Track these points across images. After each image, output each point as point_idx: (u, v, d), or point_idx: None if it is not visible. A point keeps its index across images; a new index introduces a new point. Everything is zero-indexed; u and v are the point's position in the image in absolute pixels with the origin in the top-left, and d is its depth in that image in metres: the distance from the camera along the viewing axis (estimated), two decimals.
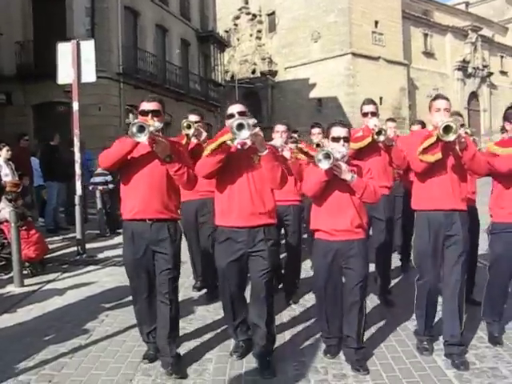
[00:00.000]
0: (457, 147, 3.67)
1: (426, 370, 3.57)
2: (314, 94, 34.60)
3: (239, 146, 3.50)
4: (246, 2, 38.90)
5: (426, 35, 38.51)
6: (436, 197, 3.86)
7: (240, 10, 38.96)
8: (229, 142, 3.52)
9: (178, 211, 3.95)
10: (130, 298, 4.45)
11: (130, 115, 17.60)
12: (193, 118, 5.11)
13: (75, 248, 7.91)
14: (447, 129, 3.52)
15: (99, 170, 10.01)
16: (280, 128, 5.13)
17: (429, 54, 38.77)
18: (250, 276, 3.75)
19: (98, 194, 9.99)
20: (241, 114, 3.64)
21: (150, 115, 3.73)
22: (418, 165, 3.86)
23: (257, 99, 36.65)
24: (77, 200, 7.96)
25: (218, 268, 3.84)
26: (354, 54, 32.38)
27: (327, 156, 3.56)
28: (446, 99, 3.99)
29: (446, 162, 3.83)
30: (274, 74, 37.26)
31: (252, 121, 3.41)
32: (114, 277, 6.34)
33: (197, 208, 5.39)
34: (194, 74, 25.07)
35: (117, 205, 10.27)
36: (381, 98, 33.33)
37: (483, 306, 4.22)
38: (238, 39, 38.89)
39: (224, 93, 29.77)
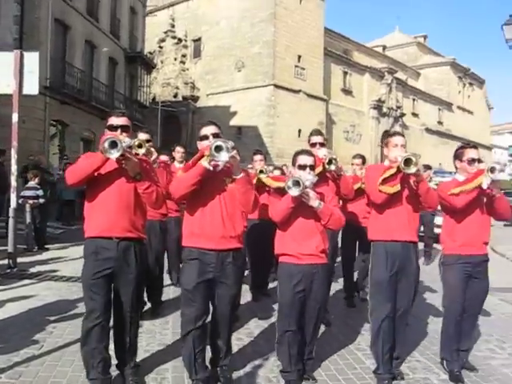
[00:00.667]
0: (412, 181, 4.08)
1: (367, 379, 4.17)
2: (234, 121, 36.19)
3: (211, 168, 3.58)
4: (173, 26, 40.57)
5: (345, 73, 41.95)
6: (393, 228, 4.17)
7: (166, 33, 40.52)
8: (204, 164, 3.58)
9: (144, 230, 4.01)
10: (74, 311, 5.17)
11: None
12: (143, 136, 5.09)
13: (5, 261, 8.05)
14: (408, 161, 3.86)
15: (30, 184, 10.37)
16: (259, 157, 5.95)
17: (347, 92, 42.16)
18: (216, 301, 3.85)
19: (27, 207, 10.17)
20: (215, 135, 3.75)
21: (119, 130, 3.79)
22: (378, 196, 4.16)
23: (177, 123, 38.00)
24: (11, 213, 8.14)
25: (183, 289, 3.86)
26: (276, 86, 34.76)
27: (297, 183, 3.78)
28: (403, 136, 4.43)
29: (402, 194, 4.16)
30: (195, 99, 38.77)
31: (230, 143, 3.49)
32: (53, 291, 6.68)
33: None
34: (119, 93, 25.91)
35: (47, 220, 10.96)
36: (299, 131, 35.92)
37: (441, 344, 4.47)
38: (162, 62, 40.30)
39: (146, 114, 31.15)
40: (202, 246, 3.78)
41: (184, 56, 40.06)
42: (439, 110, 54.25)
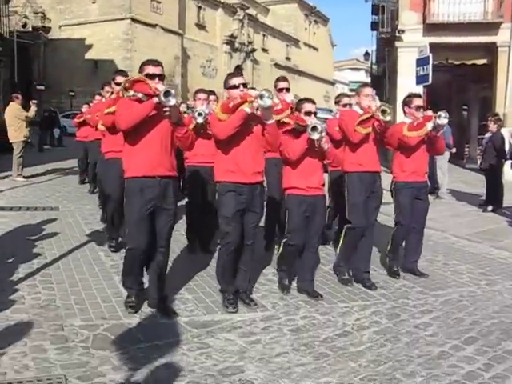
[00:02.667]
0: (376, 125, 5.13)
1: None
2: (90, 55, 36.66)
3: (249, 111, 4.33)
4: None
5: (199, 8, 43.72)
6: (365, 161, 5.33)
7: None
8: (246, 109, 4.32)
9: None
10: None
11: None
12: (121, 79, 5.65)
13: None
14: (384, 112, 5.00)
15: None
16: (202, 96, 6.15)
17: (201, 26, 44.14)
18: (245, 226, 4.62)
19: None
20: (244, 85, 4.57)
21: (156, 79, 4.27)
22: (355, 136, 5.24)
23: (27, 56, 37.65)
24: None
25: (222, 217, 4.58)
26: (132, 20, 36.01)
27: (315, 128, 4.60)
28: (372, 87, 5.77)
29: (371, 135, 5.28)
30: (47, 30, 38.61)
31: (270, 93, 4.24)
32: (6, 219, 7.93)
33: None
34: None
35: None
36: None
37: (390, 247, 5.84)
38: None
39: None
40: (237, 181, 4.53)
41: None
42: (287, 46, 58.36)
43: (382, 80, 28.25)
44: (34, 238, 7.02)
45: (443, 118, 5.47)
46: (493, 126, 10.32)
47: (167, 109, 4.16)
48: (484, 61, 18.40)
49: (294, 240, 5.02)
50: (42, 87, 30.49)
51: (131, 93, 4.40)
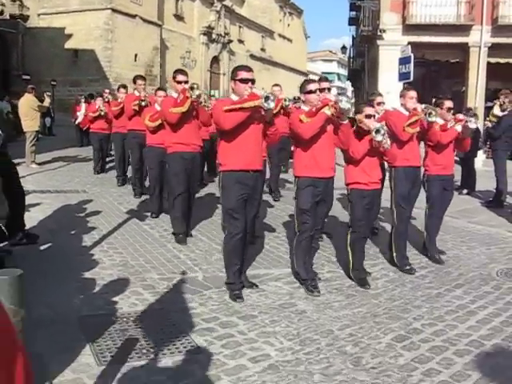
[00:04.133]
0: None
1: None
2: (69, 44, 36.76)
3: (329, 114, 4.98)
4: None
5: None
6: (411, 157, 5.99)
7: None
8: (328, 112, 4.96)
9: None
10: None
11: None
12: (182, 77, 6.63)
13: None
14: (430, 114, 5.76)
15: None
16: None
17: (179, 17, 44.84)
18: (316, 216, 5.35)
19: None
20: (321, 90, 5.38)
21: (249, 83, 4.78)
22: (404, 135, 5.83)
23: (5, 44, 37.78)
24: None
25: (299, 209, 5.27)
26: (113, 10, 36.59)
27: (378, 131, 5.08)
28: (415, 90, 6.20)
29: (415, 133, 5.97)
30: (25, 18, 38.78)
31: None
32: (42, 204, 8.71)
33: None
34: None
35: None
36: (136, 56, 38.58)
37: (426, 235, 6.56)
38: None
39: None
40: (315, 175, 5.17)
41: None
42: (262, 37, 59.52)
43: (361, 73, 29.79)
44: (81, 215, 8.19)
45: (473, 123, 6.29)
46: None
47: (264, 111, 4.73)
48: (457, 59, 20.06)
49: (360, 229, 5.57)
50: (28, 77, 30.83)
51: (197, 92, 6.06)
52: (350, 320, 4.65)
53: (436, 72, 22.66)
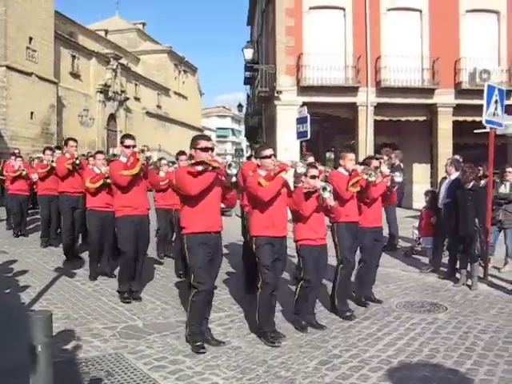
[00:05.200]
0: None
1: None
2: None
3: (286, 178, 5.65)
4: None
5: (73, 57, 44.45)
6: (352, 213, 6.70)
7: None
8: (285, 176, 5.55)
9: None
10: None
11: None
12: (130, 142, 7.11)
13: None
14: (370, 174, 6.53)
15: None
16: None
17: (75, 75, 44.97)
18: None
19: None
20: (274, 155, 5.80)
21: (210, 151, 5.24)
22: (347, 194, 6.50)
23: None
24: None
25: (262, 266, 5.68)
26: (8, 67, 36.21)
27: (325, 188, 5.68)
28: (352, 152, 7.02)
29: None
30: None
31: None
32: None
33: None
34: None
35: None
36: (32, 113, 38.18)
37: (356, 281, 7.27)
38: None
39: None
40: (272, 235, 5.62)
41: None
42: (158, 94, 60.60)
43: (258, 130, 31.53)
44: (10, 274, 8.52)
45: (398, 177, 7.05)
46: None
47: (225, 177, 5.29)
48: (347, 116, 22.21)
49: (311, 282, 6.06)
50: None
51: (147, 154, 6.86)
52: (279, 352, 5.55)
53: (329, 128, 24.76)
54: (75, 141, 9.75)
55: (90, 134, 45.02)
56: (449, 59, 21.56)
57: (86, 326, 6.19)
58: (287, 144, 18.46)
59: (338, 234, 6.68)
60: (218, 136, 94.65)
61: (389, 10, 21.92)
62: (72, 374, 4.78)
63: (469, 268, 8.69)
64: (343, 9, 21.79)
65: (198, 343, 5.47)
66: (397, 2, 21.95)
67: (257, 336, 5.94)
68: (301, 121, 15.54)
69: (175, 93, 64.53)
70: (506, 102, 9.98)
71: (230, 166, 5.10)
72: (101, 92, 47.52)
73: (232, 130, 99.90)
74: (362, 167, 6.77)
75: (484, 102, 9.26)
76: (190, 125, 66.87)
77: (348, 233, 6.66)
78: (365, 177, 6.61)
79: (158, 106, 60.13)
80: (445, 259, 9.86)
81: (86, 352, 5.38)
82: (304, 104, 17.74)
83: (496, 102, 9.41)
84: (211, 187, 5.29)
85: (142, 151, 6.84)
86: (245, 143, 60.98)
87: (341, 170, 6.90)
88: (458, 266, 9.07)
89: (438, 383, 4.83)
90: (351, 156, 6.83)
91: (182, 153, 9.10)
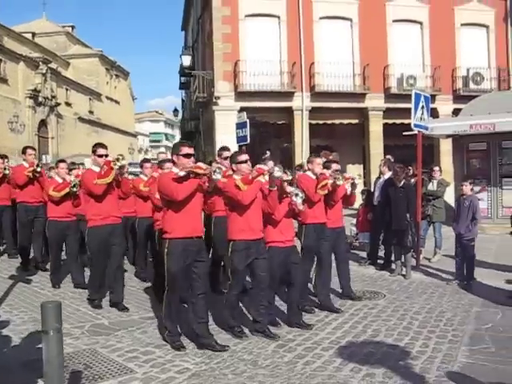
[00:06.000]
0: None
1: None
2: None
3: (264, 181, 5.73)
4: None
5: (0, 61, 43.81)
6: (319, 215, 7.00)
7: None
8: (263, 180, 5.69)
9: None
10: None
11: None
12: (103, 151, 7.16)
13: None
14: (338, 178, 6.82)
15: None
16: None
17: (3, 80, 43.75)
18: (254, 273, 5.98)
19: None
20: (248, 160, 5.95)
21: (192, 158, 5.34)
22: (316, 196, 6.75)
23: None
24: None
25: (234, 270, 5.90)
26: None
27: (297, 194, 5.91)
28: (320, 157, 7.42)
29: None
30: None
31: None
32: None
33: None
34: None
35: None
36: None
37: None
38: None
39: None
40: (249, 238, 5.78)
41: None
42: (90, 99, 59.68)
43: (195, 134, 32.00)
44: None
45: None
46: None
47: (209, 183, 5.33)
48: (284, 121, 23.10)
49: (270, 282, 6.16)
50: None
51: (123, 162, 6.96)
52: (239, 339, 6.10)
53: (266, 132, 25.54)
54: (33, 149, 9.80)
55: (21, 141, 43.88)
56: (378, 65, 22.92)
57: None
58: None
59: (305, 234, 7.04)
60: (152, 141, 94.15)
61: (321, 18, 23.04)
62: None
63: (403, 259, 9.63)
64: (278, 17, 22.74)
65: (177, 343, 5.77)
66: (329, 10, 23.11)
67: (224, 330, 6.35)
68: (240, 126, 16.10)
69: (107, 98, 63.78)
70: (431, 106, 11.00)
71: (214, 171, 5.21)
72: (30, 97, 46.29)
73: (165, 134, 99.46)
74: (330, 171, 7.15)
75: (412, 107, 10.26)
76: (124, 130, 66.30)
77: (315, 233, 7.03)
78: (333, 181, 6.99)
79: (91, 112, 59.27)
80: (381, 252, 10.80)
81: None
82: (242, 109, 18.43)
83: (422, 107, 10.41)
84: (194, 193, 5.42)
85: (117, 160, 6.84)
86: None
87: (308, 173, 7.24)
88: (393, 258, 10.03)
89: (381, 356, 5.59)
90: (319, 160, 7.20)
91: (146, 160, 9.30)
